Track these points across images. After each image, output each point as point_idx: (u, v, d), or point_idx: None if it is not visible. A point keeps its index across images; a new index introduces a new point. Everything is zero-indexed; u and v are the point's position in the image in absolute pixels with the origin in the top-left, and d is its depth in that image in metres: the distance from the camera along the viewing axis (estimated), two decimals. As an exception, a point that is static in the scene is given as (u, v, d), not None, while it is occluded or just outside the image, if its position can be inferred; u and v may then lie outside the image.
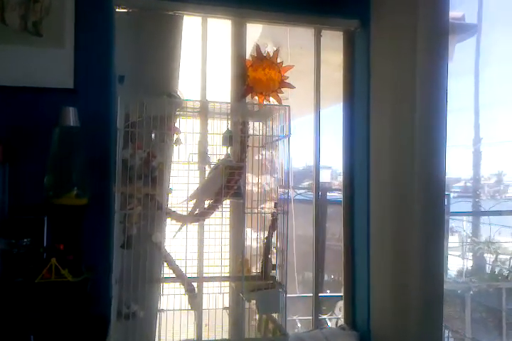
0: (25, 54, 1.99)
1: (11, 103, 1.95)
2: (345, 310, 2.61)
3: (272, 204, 2.04)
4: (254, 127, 2.17)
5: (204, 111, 2.07)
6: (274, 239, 2.01)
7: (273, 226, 2.01)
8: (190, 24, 2.33)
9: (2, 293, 1.59)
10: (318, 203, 2.58)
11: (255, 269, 2.11)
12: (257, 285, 1.94)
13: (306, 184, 4.91)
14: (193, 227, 1.96)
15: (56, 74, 2.01)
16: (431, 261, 2.05)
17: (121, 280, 1.82)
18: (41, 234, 1.78)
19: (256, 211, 2.06)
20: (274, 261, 2.01)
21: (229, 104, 2.02)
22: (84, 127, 1.82)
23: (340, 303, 2.81)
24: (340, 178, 2.70)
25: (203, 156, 1.90)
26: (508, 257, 5.43)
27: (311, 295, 2.60)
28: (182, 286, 1.92)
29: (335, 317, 3.30)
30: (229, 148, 2.04)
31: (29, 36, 2.00)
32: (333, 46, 2.62)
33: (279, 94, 2.38)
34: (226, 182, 1.95)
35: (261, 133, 2.13)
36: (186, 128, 2.05)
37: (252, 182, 2.13)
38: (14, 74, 1.97)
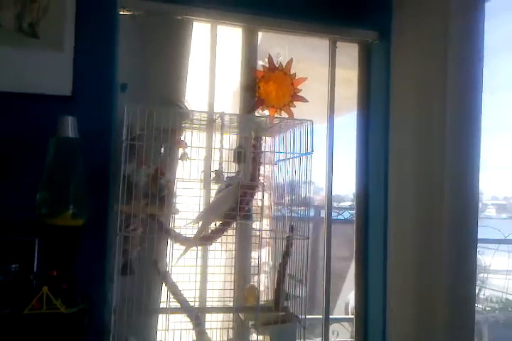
0: (20, 57, 1.80)
1: (2, 110, 1.76)
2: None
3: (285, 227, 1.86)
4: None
5: (212, 124, 1.90)
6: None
7: (287, 252, 1.83)
8: (199, 31, 2.17)
9: (-15, 327, 1.39)
10: (329, 222, 2.41)
11: (264, 298, 1.92)
12: (268, 317, 1.75)
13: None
14: (195, 252, 1.78)
15: (53, 79, 1.83)
16: (461, 287, 1.87)
17: (119, 311, 1.62)
18: (31, 258, 1.58)
19: (267, 235, 1.87)
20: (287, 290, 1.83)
21: (241, 117, 1.85)
22: (82, 138, 1.65)
23: (333, 326, 2.58)
24: (323, 194, 2.53)
25: (218, 174, 1.72)
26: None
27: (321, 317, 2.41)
28: (186, 319, 1.73)
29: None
30: (240, 165, 1.87)
31: (24, 38, 1.81)
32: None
33: (291, 108, 2.23)
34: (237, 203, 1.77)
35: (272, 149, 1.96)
36: (193, 142, 1.88)
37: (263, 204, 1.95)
38: (6, 79, 1.78)
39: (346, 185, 2.39)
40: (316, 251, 3.59)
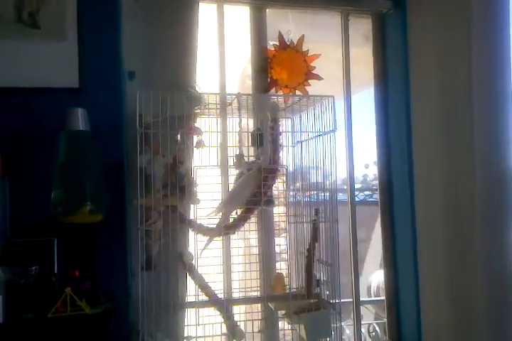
0: (21, 49, 1.72)
1: (8, 106, 1.69)
2: (389, 327, 2.36)
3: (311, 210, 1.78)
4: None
5: (226, 107, 1.81)
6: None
7: (315, 237, 1.75)
8: (205, 12, 2.07)
9: (10, 333, 1.33)
10: (353, 205, 2.33)
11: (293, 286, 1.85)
12: (300, 305, 1.68)
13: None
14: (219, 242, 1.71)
15: (58, 71, 1.76)
16: (498, 268, 1.79)
17: (145, 307, 1.56)
18: (51, 259, 1.52)
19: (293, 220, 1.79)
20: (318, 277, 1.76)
21: (259, 97, 1.76)
22: (92, 131, 1.58)
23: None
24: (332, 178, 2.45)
25: (239, 159, 1.64)
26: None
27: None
28: (215, 312, 1.66)
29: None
30: (259, 149, 1.78)
31: (25, 28, 1.73)
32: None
33: (306, 87, 2.13)
34: (258, 188, 1.69)
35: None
36: (208, 127, 1.80)
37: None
38: (9, 74, 1.71)
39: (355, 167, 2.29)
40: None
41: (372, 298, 3.83)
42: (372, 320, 3.51)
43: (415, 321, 2.21)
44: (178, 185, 1.56)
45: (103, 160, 1.58)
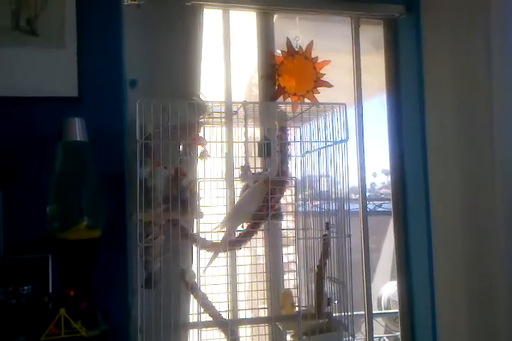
0: (18, 57, 1.65)
1: (3, 116, 1.61)
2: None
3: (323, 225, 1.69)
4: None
5: (231, 116, 1.73)
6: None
7: (325, 253, 1.66)
8: (210, 18, 2.00)
9: (-1, 358, 1.25)
10: (365, 215, 2.25)
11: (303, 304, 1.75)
12: (310, 326, 1.59)
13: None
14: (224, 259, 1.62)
15: (56, 79, 1.68)
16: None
17: (145, 328, 1.47)
18: (45, 277, 1.44)
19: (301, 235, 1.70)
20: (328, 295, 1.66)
21: (267, 105, 1.67)
22: (92, 141, 1.50)
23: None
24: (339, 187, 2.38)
25: (245, 171, 1.56)
26: None
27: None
28: (220, 334, 1.57)
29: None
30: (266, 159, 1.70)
31: (22, 36, 1.67)
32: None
33: (315, 95, 2.06)
34: (266, 202, 1.60)
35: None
36: (212, 138, 1.72)
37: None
38: (6, 82, 1.63)
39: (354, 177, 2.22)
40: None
41: (385, 311, 3.72)
42: (382, 333, 3.40)
43: (431, 336, 2.11)
44: (180, 198, 1.48)
45: (103, 173, 1.50)
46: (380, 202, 4.58)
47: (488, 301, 1.84)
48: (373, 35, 2.34)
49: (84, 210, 1.39)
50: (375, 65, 2.34)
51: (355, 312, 1.66)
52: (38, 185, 1.47)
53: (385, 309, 3.78)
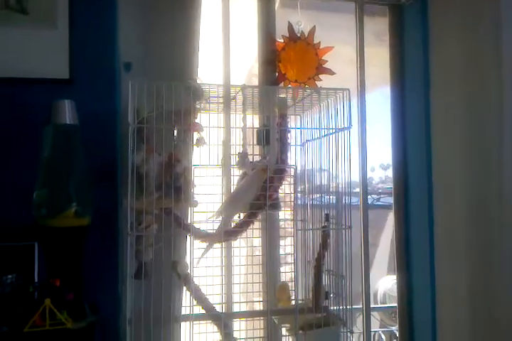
0: (8, 36, 1.59)
1: (-10, 98, 1.55)
2: (401, 337, 2.22)
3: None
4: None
5: (229, 101, 1.67)
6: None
7: (324, 245, 1.60)
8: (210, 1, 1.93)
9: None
10: (365, 208, 2.18)
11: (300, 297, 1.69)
12: (307, 320, 1.53)
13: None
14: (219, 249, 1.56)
15: (47, 61, 1.63)
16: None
17: (135, 320, 1.41)
18: (31, 266, 1.38)
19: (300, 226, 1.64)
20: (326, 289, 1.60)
21: (266, 89, 1.60)
22: (83, 126, 1.44)
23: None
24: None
25: (243, 157, 1.50)
26: None
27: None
28: (213, 327, 1.51)
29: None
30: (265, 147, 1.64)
31: (12, 14, 1.60)
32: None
33: (317, 82, 1.98)
34: (264, 191, 1.54)
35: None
36: (210, 124, 1.65)
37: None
38: (-7, 62, 1.57)
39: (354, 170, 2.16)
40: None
41: (383, 305, 3.69)
42: (377, 328, 3.37)
43: (430, 331, 2.07)
44: (173, 185, 1.41)
45: (94, 158, 1.45)
46: (377, 197, 4.54)
47: (490, 297, 1.80)
48: (375, 26, 2.29)
49: (73, 196, 1.34)
50: (378, 57, 2.28)
51: (353, 306, 1.61)
52: (25, 169, 1.41)
53: (380, 303, 3.75)
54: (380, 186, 4.75)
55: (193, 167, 1.47)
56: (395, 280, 2.32)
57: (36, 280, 1.37)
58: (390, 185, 2.31)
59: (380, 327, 3.42)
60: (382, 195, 4.45)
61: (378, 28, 2.28)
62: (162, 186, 1.42)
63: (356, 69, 2.15)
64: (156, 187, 1.43)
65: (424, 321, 2.12)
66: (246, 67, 2.29)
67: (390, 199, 2.34)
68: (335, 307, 1.59)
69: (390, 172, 2.31)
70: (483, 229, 1.82)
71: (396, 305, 2.29)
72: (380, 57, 2.28)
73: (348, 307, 1.54)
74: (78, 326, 1.25)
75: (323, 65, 1.99)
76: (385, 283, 3.80)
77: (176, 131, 1.50)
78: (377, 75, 2.33)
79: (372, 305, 3.56)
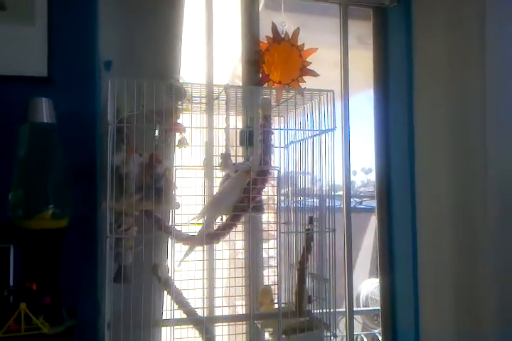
0: (-17, 32, 1.54)
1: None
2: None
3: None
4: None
5: (212, 101, 1.64)
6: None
7: (308, 248, 1.58)
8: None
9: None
10: (348, 211, 2.17)
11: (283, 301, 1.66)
12: (290, 324, 1.50)
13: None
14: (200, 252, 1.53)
15: (24, 58, 1.58)
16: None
17: (114, 325, 1.37)
18: (6, 269, 1.32)
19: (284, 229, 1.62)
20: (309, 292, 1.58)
21: (250, 89, 1.58)
22: (62, 125, 1.41)
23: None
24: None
25: (225, 158, 1.47)
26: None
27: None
28: (194, 332, 1.48)
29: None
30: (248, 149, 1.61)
31: (-12, 9, 1.55)
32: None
33: (301, 84, 1.96)
34: (247, 193, 1.51)
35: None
36: (192, 124, 1.63)
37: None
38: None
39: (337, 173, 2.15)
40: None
41: (366, 308, 3.69)
42: (360, 331, 3.36)
43: (413, 334, 2.07)
44: (154, 186, 1.38)
45: (73, 158, 1.42)
46: (359, 200, 4.56)
47: (473, 299, 1.80)
48: (358, 30, 2.28)
49: (50, 197, 1.30)
50: (361, 60, 2.28)
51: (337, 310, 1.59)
52: (0, 168, 1.35)
53: (363, 306, 3.75)
54: (362, 190, 4.78)
55: (174, 168, 1.44)
56: (377, 284, 2.31)
57: (11, 283, 1.33)
58: (372, 188, 2.30)
59: (362, 331, 3.42)
60: (364, 199, 4.47)
61: (362, 31, 2.28)
62: (143, 187, 1.38)
63: (340, 71, 2.14)
64: (136, 188, 1.40)
65: (407, 324, 2.11)
66: (229, 67, 2.26)
67: (372, 203, 2.34)
68: (318, 311, 1.56)
69: (371, 176, 2.32)
70: (466, 232, 1.82)
71: (379, 308, 2.28)
72: (363, 60, 2.27)
73: (331, 310, 1.51)
74: (55, 331, 1.21)
75: (307, 67, 1.97)
76: (367, 286, 3.80)
77: (157, 131, 1.46)
78: (361, 78, 2.32)
79: (358, 308, 3.60)
